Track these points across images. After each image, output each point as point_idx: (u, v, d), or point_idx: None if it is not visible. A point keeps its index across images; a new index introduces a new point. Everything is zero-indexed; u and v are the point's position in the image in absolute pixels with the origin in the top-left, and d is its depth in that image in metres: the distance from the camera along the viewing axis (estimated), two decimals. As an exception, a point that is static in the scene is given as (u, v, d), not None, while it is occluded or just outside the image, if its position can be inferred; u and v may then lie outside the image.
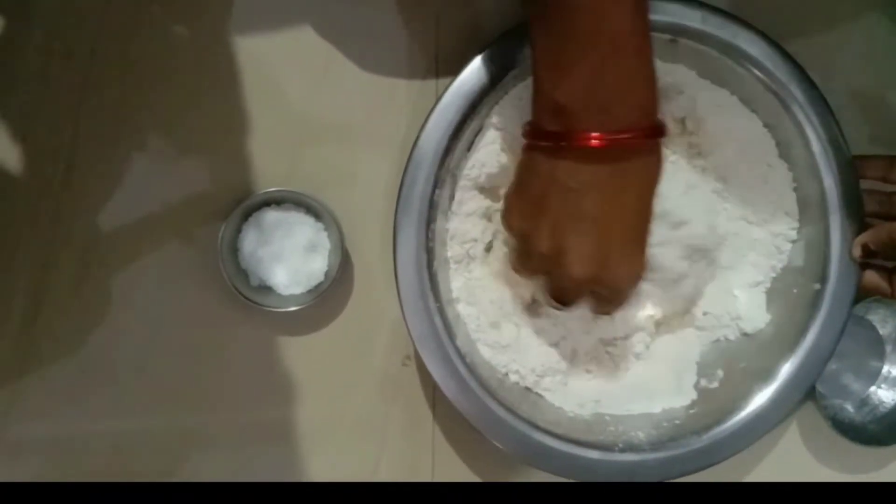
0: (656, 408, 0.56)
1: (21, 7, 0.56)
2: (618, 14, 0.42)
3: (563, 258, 0.46)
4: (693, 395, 0.56)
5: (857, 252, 0.53)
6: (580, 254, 0.46)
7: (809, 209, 0.55)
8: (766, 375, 0.54)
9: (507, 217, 0.49)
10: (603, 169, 0.44)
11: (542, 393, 0.56)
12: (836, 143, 0.54)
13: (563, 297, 0.49)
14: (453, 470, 0.58)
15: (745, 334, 0.57)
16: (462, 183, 0.54)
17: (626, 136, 0.43)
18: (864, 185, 0.55)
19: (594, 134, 0.43)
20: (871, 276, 0.54)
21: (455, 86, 0.52)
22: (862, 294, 0.55)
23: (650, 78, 0.44)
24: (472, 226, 0.55)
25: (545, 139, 0.45)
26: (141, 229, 0.56)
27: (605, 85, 0.42)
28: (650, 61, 0.44)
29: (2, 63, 0.56)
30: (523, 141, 0.47)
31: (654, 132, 0.45)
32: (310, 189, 0.55)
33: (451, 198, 0.54)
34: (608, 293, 0.49)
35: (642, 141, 0.44)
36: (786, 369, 0.54)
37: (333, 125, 0.57)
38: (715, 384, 0.56)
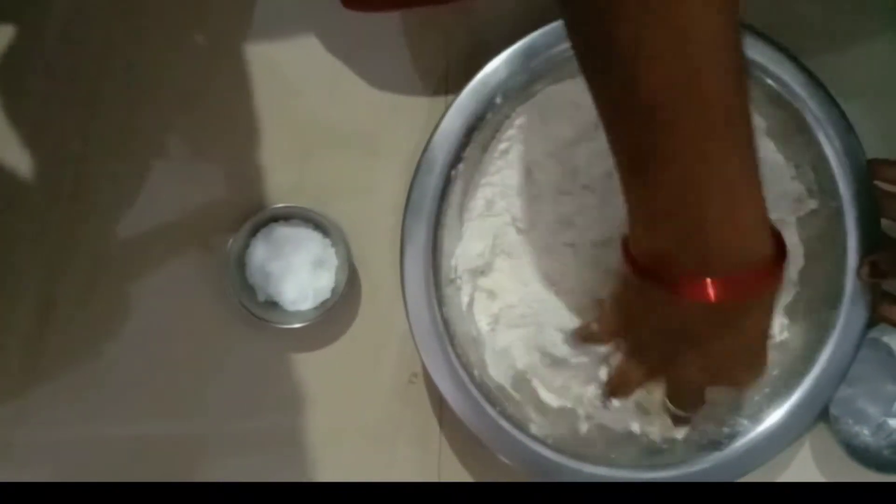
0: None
1: (32, 16, 0.56)
2: (724, 153, 0.35)
3: (677, 371, 0.46)
4: None
5: (865, 271, 0.50)
6: (695, 366, 0.44)
7: (822, 218, 0.53)
8: (787, 389, 0.52)
9: (608, 324, 0.48)
10: (717, 312, 0.39)
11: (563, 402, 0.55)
12: (854, 153, 0.52)
13: (681, 402, 0.48)
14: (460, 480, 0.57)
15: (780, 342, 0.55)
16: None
17: (740, 282, 0.38)
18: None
19: (709, 283, 0.37)
20: (887, 310, 0.52)
21: (458, 102, 0.51)
22: (877, 322, 0.53)
23: (761, 212, 0.37)
24: (478, 243, 0.54)
25: (650, 278, 0.40)
26: (150, 241, 0.57)
27: (717, 232, 0.37)
28: (760, 196, 0.37)
29: (13, 72, 0.56)
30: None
31: (771, 270, 0.39)
32: (318, 202, 0.55)
33: (460, 216, 0.54)
34: (729, 389, 0.49)
35: (759, 284, 0.39)
36: (802, 385, 0.52)
37: (343, 138, 0.57)
38: None
